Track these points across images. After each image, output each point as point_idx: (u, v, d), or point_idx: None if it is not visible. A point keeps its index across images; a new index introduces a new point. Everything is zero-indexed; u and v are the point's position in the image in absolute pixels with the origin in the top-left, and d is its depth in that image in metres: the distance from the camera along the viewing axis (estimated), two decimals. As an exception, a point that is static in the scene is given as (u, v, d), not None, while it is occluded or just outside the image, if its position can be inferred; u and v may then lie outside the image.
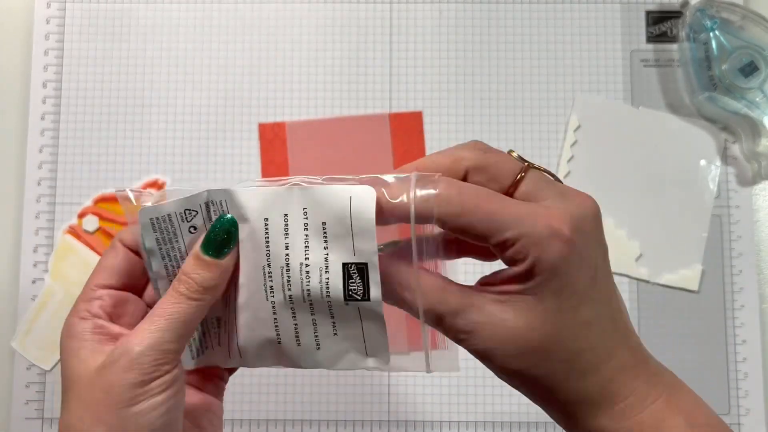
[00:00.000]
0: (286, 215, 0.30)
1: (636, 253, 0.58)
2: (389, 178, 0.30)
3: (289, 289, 0.30)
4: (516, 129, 0.59)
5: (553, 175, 0.31)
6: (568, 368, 0.29)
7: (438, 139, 0.59)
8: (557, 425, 0.32)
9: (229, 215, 0.31)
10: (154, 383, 0.30)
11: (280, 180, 0.31)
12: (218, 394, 0.37)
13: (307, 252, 0.30)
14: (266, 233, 0.30)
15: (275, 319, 0.31)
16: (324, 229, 0.30)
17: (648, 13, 0.60)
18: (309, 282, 0.30)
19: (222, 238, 0.31)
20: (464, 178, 0.31)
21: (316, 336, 0.32)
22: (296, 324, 0.31)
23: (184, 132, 0.59)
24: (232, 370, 0.38)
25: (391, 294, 0.30)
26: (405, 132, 0.59)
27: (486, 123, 0.59)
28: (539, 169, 0.31)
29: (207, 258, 0.31)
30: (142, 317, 0.32)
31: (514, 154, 0.31)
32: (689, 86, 0.59)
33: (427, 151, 0.59)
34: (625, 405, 0.29)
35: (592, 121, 0.59)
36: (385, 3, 0.61)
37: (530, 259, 0.28)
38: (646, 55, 0.60)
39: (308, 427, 0.56)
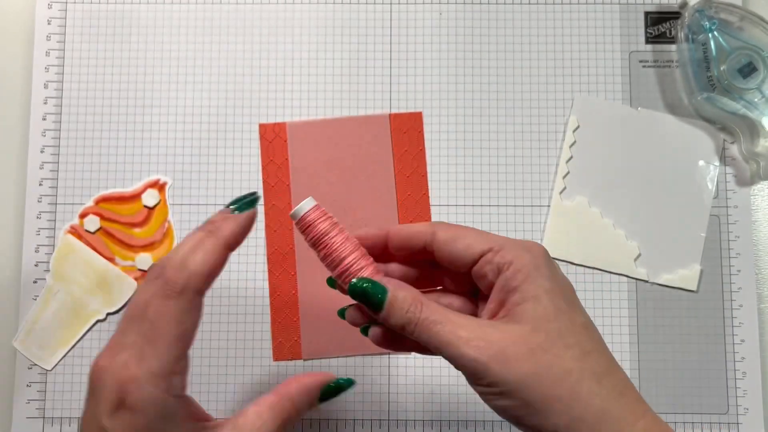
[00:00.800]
0: None
1: (635, 253, 0.58)
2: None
3: None
4: (516, 129, 0.59)
5: None
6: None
7: (438, 139, 0.59)
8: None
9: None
10: None
11: None
12: None
13: None
14: None
15: None
16: None
17: (647, 14, 0.61)
18: None
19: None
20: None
21: None
22: None
23: (185, 132, 0.59)
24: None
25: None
26: (405, 132, 0.59)
27: (486, 123, 0.60)
28: None
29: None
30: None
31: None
32: (688, 87, 0.59)
33: (427, 151, 0.59)
34: None
35: (591, 121, 0.59)
36: (385, 3, 0.61)
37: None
38: (645, 55, 0.60)
39: (308, 427, 0.56)
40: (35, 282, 0.58)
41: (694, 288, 0.58)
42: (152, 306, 0.33)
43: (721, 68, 0.56)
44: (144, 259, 0.58)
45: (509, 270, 0.35)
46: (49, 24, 0.60)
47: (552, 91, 0.60)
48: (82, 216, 0.58)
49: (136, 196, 0.59)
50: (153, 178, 0.59)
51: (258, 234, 0.58)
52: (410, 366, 0.57)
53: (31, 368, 0.57)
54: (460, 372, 0.34)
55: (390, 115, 0.59)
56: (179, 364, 0.34)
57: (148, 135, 0.59)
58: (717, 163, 0.59)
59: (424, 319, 0.34)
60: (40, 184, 0.59)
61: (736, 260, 0.58)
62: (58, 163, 0.59)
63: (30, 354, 0.57)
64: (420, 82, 0.60)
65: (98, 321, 0.57)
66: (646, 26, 0.60)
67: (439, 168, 0.59)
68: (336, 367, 0.57)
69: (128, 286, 0.57)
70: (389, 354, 0.57)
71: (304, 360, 0.57)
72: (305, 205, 0.38)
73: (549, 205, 0.59)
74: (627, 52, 0.60)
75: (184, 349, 0.34)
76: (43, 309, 0.57)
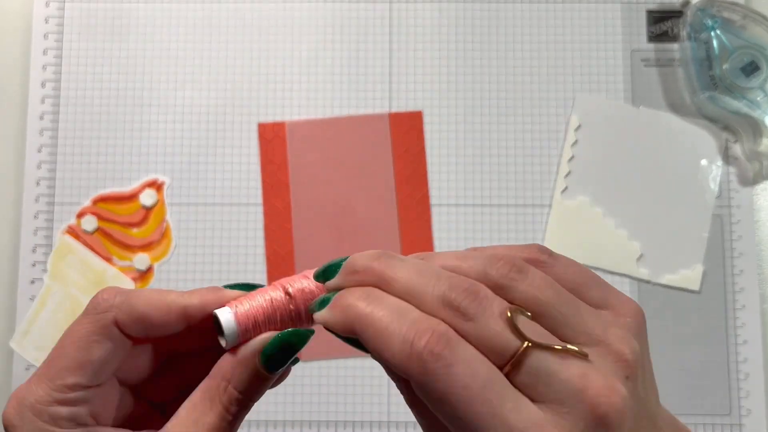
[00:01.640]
0: None
1: (637, 254, 0.57)
2: None
3: None
4: (516, 129, 0.59)
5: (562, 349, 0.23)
6: None
7: (438, 138, 0.59)
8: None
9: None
10: None
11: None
12: None
13: None
14: None
15: None
16: None
17: (649, 12, 0.60)
18: None
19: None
20: None
21: None
22: None
23: (184, 132, 0.59)
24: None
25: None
26: (405, 132, 0.59)
27: (486, 123, 0.59)
28: (541, 346, 0.23)
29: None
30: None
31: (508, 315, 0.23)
32: (690, 86, 0.59)
33: (427, 151, 0.59)
34: None
35: (593, 120, 0.59)
36: (384, 3, 0.61)
37: None
38: (647, 54, 0.60)
39: (308, 428, 0.56)
40: (32, 282, 0.57)
41: (696, 288, 0.57)
42: (73, 323, 0.30)
43: (724, 67, 0.56)
44: (142, 259, 0.57)
45: None
46: (46, 22, 0.60)
47: (553, 90, 0.60)
48: (80, 216, 0.58)
49: (133, 196, 0.58)
50: (151, 177, 0.59)
51: (257, 234, 0.58)
52: (410, 367, 0.56)
53: (28, 369, 0.56)
54: None
55: (390, 114, 0.59)
56: (76, 394, 0.29)
57: (146, 134, 0.59)
58: (719, 162, 0.59)
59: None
60: (38, 184, 0.58)
61: (739, 260, 0.57)
62: (55, 162, 0.59)
63: (27, 354, 0.56)
64: (420, 81, 0.60)
65: (96, 322, 0.57)
66: (648, 25, 0.60)
67: (439, 168, 0.59)
68: (336, 368, 0.57)
69: (126, 286, 0.57)
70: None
71: (303, 361, 0.57)
72: (227, 326, 0.29)
73: (550, 205, 0.58)
74: (629, 51, 0.60)
75: (89, 380, 0.29)
76: (40, 309, 0.57)
